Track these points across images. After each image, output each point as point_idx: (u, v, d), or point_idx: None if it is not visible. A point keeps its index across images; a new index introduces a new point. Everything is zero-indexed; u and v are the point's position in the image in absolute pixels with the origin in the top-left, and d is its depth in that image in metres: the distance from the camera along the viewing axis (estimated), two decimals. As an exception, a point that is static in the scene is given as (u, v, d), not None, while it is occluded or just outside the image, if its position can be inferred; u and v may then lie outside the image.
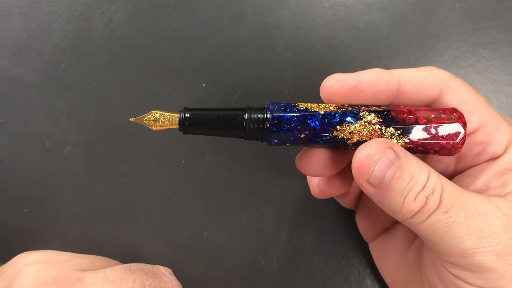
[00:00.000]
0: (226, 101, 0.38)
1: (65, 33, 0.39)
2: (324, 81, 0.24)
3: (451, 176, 0.27)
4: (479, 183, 0.25)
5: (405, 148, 0.23)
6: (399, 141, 0.23)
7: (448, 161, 0.27)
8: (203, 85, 0.38)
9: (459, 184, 0.26)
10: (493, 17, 0.39)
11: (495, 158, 0.25)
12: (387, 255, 0.32)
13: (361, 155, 0.22)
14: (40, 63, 0.39)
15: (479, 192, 0.25)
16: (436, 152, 0.23)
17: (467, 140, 0.25)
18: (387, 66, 0.38)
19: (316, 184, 0.29)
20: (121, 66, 0.39)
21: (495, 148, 0.25)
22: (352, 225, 0.35)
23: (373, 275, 0.34)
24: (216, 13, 0.40)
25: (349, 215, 0.35)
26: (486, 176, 0.25)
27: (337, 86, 0.24)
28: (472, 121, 0.24)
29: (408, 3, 0.40)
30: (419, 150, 0.23)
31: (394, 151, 0.22)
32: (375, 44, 0.39)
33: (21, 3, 0.40)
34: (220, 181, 0.37)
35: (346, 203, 0.34)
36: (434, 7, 0.40)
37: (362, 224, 0.34)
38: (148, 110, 0.37)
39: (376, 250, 0.33)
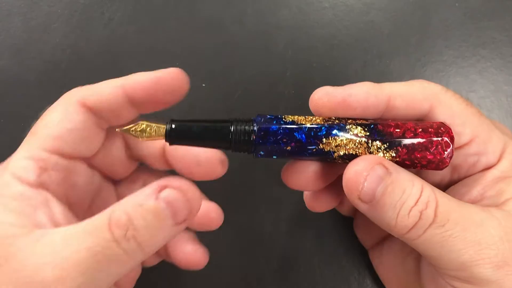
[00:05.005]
0: (226, 101, 0.38)
1: (65, 33, 0.39)
2: (313, 93, 0.24)
3: (447, 186, 0.27)
4: (474, 193, 0.25)
5: (392, 162, 0.23)
6: (385, 154, 0.23)
7: (443, 173, 0.27)
8: (203, 85, 0.38)
9: (453, 193, 0.26)
10: (493, 17, 0.39)
11: (489, 168, 0.25)
12: (386, 263, 0.31)
13: (350, 172, 0.22)
14: (40, 63, 0.39)
15: (474, 201, 0.25)
16: (423, 167, 0.23)
17: (462, 152, 0.25)
18: (387, 66, 0.38)
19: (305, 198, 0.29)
20: (121, 66, 0.39)
21: (489, 158, 0.25)
22: (352, 226, 0.35)
23: (373, 275, 0.34)
24: (216, 13, 0.40)
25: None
26: (481, 185, 0.25)
27: (325, 99, 0.24)
28: (465, 133, 0.24)
29: (408, 3, 0.40)
30: (406, 164, 0.23)
31: (385, 166, 0.22)
32: (375, 44, 0.39)
33: (21, 3, 0.40)
34: (220, 181, 0.37)
35: (344, 211, 0.34)
36: (434, 7, 0.40)
37: (360, 233, 0.34)
38: (148, 110, 0.38)
39: (376, 257, 0.33)
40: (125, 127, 0.23)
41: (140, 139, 0.23)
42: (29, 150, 0.24)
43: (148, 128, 0.23)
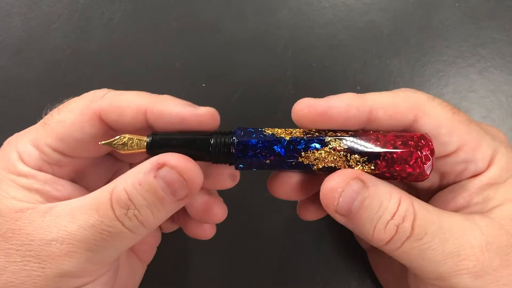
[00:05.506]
0: (226, 101, 0.38)
1: (65, 33, 0.39)
2: (295, 105, 0.24)
3: (435, 192, 0.27)
4: (460, 200, 0.25)
5: (372, 175, 0.23)
6: (364, 168, 0.23)
7: (431, 180, 0.27)
8: (203, 85, 0.38)
9: (440, 200, 0.26)
10: (493, 17, 0.39)
11: (478, 174, 0.25)
12: (384, 265, 0.32)
13: (325, 188, 0.22)
14: (40, 63, 0.39)
15: (460, 208, 0.25)
16: (403, 179, 0.23)
17: (449, 160, 0.25)
18: (387, 66, 0.38)
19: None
20: (121, 66, 0.39)
21: (478, 165, 0.24)
22: (352, 225, 0.35)
23: (373, 275, 0.34)
24: (216, 13, 0.40)
25: (349, 215, 0.35)
26: (468, 192, 0.25)
27: (306, 111, 0.24)
28: (451, 142, 0.24)
29: (408, 3, 0.40)
30: (386, 176, 0.23)
31: (362, 180, 0.22)
32: (375, 44, 0.39)
33: (21, 3, 0.40)
34: (220, 181, 0.37)
35: None
36: (434, 7, 0.40)
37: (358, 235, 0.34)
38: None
39: (374, 259, 0.33)
40: (108, 141, 0.23)
41: (122, 152, 0.23)
42: (36, 139, 0.24)
43: (130, 141, 0.23)
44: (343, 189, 0.22)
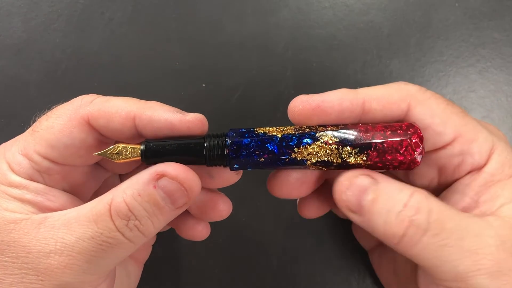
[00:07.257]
0: (226, 101, 0.38)
1: (65, 33, 0.39)
2: (290, 103, 0.24)
3: (436, 190, 0.27)
4: (467, 200, 0.25)
5: (364, 165, 0.23)
6: (357, 159, 0.23)
7: (430, 176, 0.27)
8: (203, 85, 0.38)
9: (446, 202, 0.25)
10: (493, 17, 0.39)
11: (478, 169, 0.25)
12: (386, 265, 0.31)
13: (336, 183, 0.23)
14: (40, 63, 0.39)
15: (469, 208, 0.25)
16: (395, 168, 0.24)
17: (445, 152, 0.25)
18: (387, 66, 0.38)
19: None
20: (121, 66, 0.39)
21: (475, 158, 0.24)
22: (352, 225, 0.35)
23: (373, 275, 0.34)
24: (216, 13, 0.40)
25: (349, 215, 0.35)
26: (473, 191, 0.24)
27: (300, 106, 0.24)
28: (446, 132, 0.24)
29: (408, 3, 0.40)
30: (378, 166, 0.24)
31: (371, 176, 0.23)
32: (375, 44, 0.39)
33: (21, 3, 0.40)
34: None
35: (341, 214, 0.34)
36: (434, 7, 0.40)
37: (359, 235, 0.34)
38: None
39: (375, 259, 0.33)
40: (102, 151, 0.23)
41: (117, 161, 0.23)
42: (25, 148, 0.24)
43: (124, 150, 0.23)
44: (351, 182, 0.22)
